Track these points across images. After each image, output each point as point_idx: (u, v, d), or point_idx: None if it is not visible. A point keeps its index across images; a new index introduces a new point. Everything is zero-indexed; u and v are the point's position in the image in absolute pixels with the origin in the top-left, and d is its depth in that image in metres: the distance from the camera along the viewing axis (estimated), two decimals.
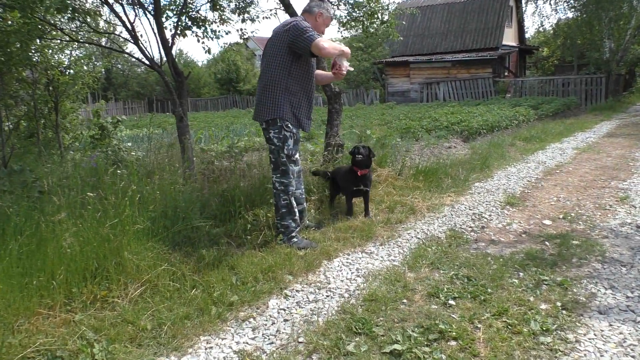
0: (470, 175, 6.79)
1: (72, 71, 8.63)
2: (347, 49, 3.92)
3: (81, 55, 8.67)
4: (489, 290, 3.24)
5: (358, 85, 30.55)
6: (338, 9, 6.54)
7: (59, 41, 7.03)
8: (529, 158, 8.34)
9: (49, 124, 8.88)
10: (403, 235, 4.46)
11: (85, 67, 9.08)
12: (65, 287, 3.04)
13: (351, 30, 7.21)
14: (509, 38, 27.43)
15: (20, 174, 5.21)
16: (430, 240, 4.29)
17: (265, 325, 2.95)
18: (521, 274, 3.51)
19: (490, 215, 5.01)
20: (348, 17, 6.59)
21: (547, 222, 4.75)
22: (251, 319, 3.02)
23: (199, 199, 4.52)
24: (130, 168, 4.24)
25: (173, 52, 5.47)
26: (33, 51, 6.55)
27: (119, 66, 40.66)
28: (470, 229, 4.62)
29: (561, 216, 4.90)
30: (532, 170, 7.21)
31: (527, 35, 32.74)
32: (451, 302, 3.11)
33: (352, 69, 4.11)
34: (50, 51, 7.52)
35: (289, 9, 6.06)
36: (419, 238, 4.39)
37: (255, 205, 4.79)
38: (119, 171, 4.13)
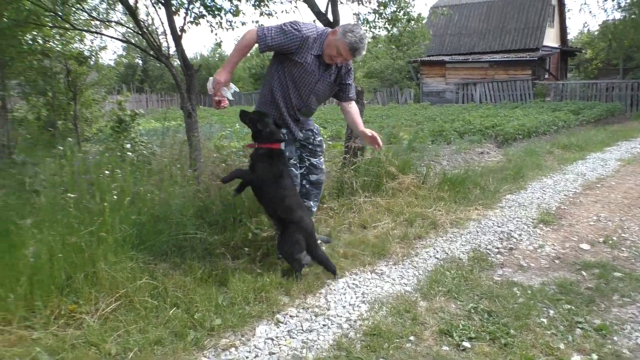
0: (502, 186, 6.23)
1: (92, 62, 8.47)
2: (217, 78, 3.45)
3: (101, 46, 8.49)
4: (512, 331, 2.77)
5: (392, 84, 29.91)
6: (363, 4, 6.11)
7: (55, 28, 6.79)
8: (567, 168, 7.70)
9: (69, 115, 8.76)
10: (420, 254, 4.00)
11: (108, 59, 8.95)
12: (28, 300, 2.72)
13: (378, 30, 6.77)
14: (550, 39, 26.26)
15: (21, 167, 4.99)
16: (450, 262, 3.81)
17: (247, 358, 2.57)
18: (551, 311, 3.01)
19: (520, 235, 4.48)
20: (374, 15, 6.16)
21: (585, 246, 4.20)
22: (232, 349, 2.63)
23: (198, 203, 4.16)
24: (126, 167, 3.90)
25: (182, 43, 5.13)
26: (33, 39, 6.33)
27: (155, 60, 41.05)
28: (496, 250, 4.12)
29: (601, 240, 4.34)
30: (570, 183, 6.60)
31: (569, 37, 31.40)
32: (466, 343, 2.66)
33: (230, 98, 3.52)
34: (64, 40, 7.31)
35: (313, 8, 5.66)
36: (437, 258, 3.92)
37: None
38: (113, 171, 3.80)
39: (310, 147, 3.98)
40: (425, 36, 6.95)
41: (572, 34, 43.19)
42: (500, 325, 2.83)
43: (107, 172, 3.59)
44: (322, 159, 4.12)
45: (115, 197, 3.42)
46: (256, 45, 3.53)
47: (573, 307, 3.05)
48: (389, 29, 6.49)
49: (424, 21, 6.86)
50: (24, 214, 3.11)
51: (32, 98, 8.32)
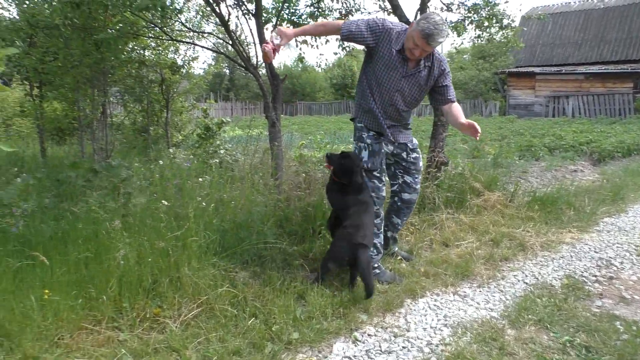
0: (599, 207, 5.76)
1: (184, 71, 8.87)
2: (281, 28, 3.32)
3: (194, 56, 8.87)
4: None
5: (476, 95, 28.97)
6: (452, 12, 5.92)
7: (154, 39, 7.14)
8: None
9: (160, 122, 9.22)
10: (507, 277, 3.76)
11: (198, 69, 9.38)
12: (116, 301, 2.83)
13: (466, 37, 6.54)
14: None
15: (116, 170, 5.27)
16: (541, 289, 3.54)
17: None
18: None
19: (621, 263, 4.10)
20: (463, 22, 5.94)
21: None
22: None
23: (278, 212, 4.18)
24: (212, 174, 4.00)
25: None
26: (134, 49, 6.70)
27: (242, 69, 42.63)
28: (594, 278, 3.78)
29: None
30: None
31: None
32: None
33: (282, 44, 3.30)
34: (160, 50, 7.70)
35: (397, 10, 5.56)
36: (526, 283, 3.66)
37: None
38: (201, 178, 3.91)
39: (403, 164, 3.81)
40: (517, 43, 6.61)
41: None
42: None
43: (198, 178, 3.69)
44: (418, 177, 3.88)
45: (203, 203, 3.51)
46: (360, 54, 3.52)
47: None
48: (480, 35, 6.23)
49: (514, 29, 6.53)
50: (116, 217, 3.25)
51: (130, 104, 8.84)
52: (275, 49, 3.27)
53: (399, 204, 3.93)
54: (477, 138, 3.27)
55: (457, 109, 3.52)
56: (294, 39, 3.34)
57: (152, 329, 2.77)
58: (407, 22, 5.49)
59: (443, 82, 3.51)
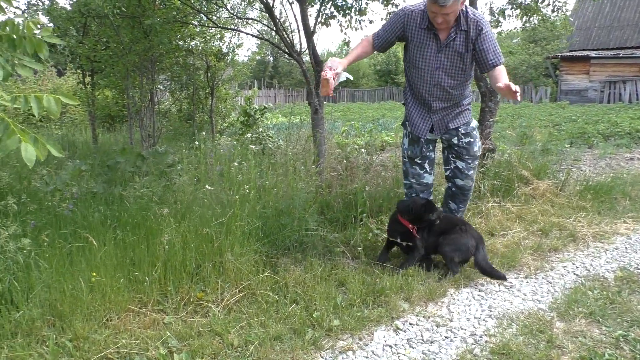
0: None
1: (229, 58, 8.95)
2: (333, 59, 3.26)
3: (238, 43, 8.93)
4: None
5: (526, 81, 28.00)
6: None
7: (201, 27, 7.21)
8: None
9: (205, 109, 9.37)
10: (556, 269, 3.63)
11: (243, 56, 9.47)
12: (162, 285, 2.90)
13: (514, 21, 6.31)
14: None
15: (163, 156, 5.39)
16: (593, 281, 3.40)
17: None
18: None
19: None
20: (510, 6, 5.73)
21: None
22: (349, 352, 2.57)
23: (320, 199, 4.17)
24: (250, 160, 4.03)
25: (315, 40, 5.17)
26: (182, 37, 6.80)
27: (285, 56, 42.80)
28: None
29: None
30: None
31: None
32: None
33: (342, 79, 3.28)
34: (206, 38, 7.79)
35: None
36: (577, 275, 3.52)
37: (382, 212, 4.31)
38: (240, 164, 3.94)
39: (455, 149, 3.68)
40: (567, 28, 6.32)
41: None
42: None
43: (236, 164, 3.72)
44: (472, 163, 3.72)
45: (247, 190, 3.54)
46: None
47: None
48: (527, 19, 6.00)
49: (567, 12, 6.24)
50: (163, 203, 3.32)
51: (176, 92, 9.02)
52: (334, 76, 3.24)
53: (453, 189, 3.84)
54: (518, 99, 3.07)
55: (499, 71, 3.30)
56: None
57: (196, 313, 2.82)
58: None
59: (481, 46, 3.29)
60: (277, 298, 2.98)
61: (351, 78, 3.44)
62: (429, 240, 3.52)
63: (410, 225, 3.46)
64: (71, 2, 6.13)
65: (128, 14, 5.44)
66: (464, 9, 3.21)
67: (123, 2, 5.40)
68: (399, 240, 3.50)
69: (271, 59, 43.42)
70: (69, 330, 2.51)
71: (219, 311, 2.82)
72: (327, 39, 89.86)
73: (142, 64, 6.16)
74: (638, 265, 3.69)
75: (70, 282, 2.69)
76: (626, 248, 4.04)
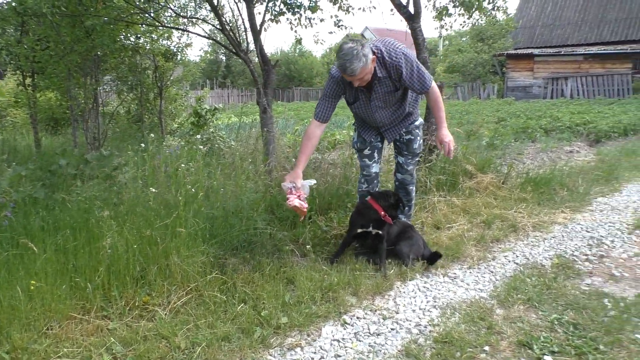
0: (592, 187, 5.77)
1: (178, 58, 8.81)
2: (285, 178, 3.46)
3: (187, 42, 8.80)
4: (601, 347, 2.51)
5: (474, 78, 28.83)
6: None
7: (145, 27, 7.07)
8: None
9: (155, 110, 9.19)
10: (498, 258, 3.77)
11: (195, 56, 9.34)
12: (105, 290, 2.84)
13: (455, 20, 6.50)
14: None
15: (108, 159, 5.25)
16: (531, 268, 3.56)
17: (312, 359, 2.52)
18: None
19: (612, 241, 4.11)
20: (453, 3, 5.90)
21: None
22: (297, 349, 2.59)
23: (269, 198, 4.18)
24: (200, 161, 3.99)
25: (261, 38, 5.17)
26: (127, 36, 6.65)
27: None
28: (584, 257, 3.79)
29: None
30: None
31: None
32: (547, 357, 2.45)
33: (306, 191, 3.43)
34: (153, 37, 7.64)
35: (394, 0, 5.50)
36: (517, 264, 3.67)
37: (331, 209, 4.36)
38: (186, 165, 3.89)
39: (397, 144, 3.89)
40: (509, 25, 6.59)
41: None
42: (588, 339, 2.58)
43: (182, 165, 3.67)
44: (412, 159, 3.88)
45: (192, 190, 3.50)
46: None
47: None
48: (468, 16, 6.20)
49: (508, 10, 6.48)
50: (106, 207, 3.25)
51: (123, 93, 8.81)
52: (299, 196, 3.31)
53: (396, 183, 4.04)
54: (450, 157, 3.56)
55: (433, 101, 3.54)
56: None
57: (142, 317, 2.78)
58: (399, 4, 5.46)
59: (406, 83, 3.44)
60: (225, 298, 2.97)
61: (314, 183, 3.53)
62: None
63: (382, 212, 3.53)
64: (6, 1, 5.88)
65: (68, 12, 5.26)
66: (379, 56, 3.31)
67: (62, 1, 5.23)
68: (370, 229, 3.55)
69: (223, 58, 42.91)
70: (6, 341, 2.42)
71: (165, 314, 2.79)
72: (280, 38, 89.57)
73: (85, 64, 5.98)
74: (573, 252, 3.89)
75: (8, 291, 2.59)
76: (563, 236, 4.24)
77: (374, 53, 3.23)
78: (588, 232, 4.35)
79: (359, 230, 3.57)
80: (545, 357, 2.46)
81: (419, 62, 3.42)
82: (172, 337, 2.58)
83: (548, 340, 2.59)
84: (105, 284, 2.84)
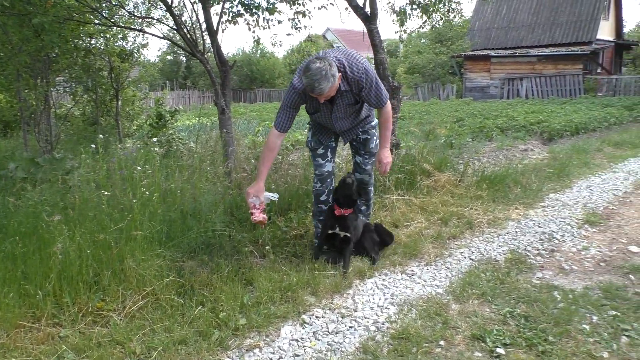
0: (545, 184, 5.97)
1: (134, 58, 8.63)
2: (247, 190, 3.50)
3: (143, 43, 8.64)
4: (551, 337, 2.60)
5: (434, 79, 29.36)
6: None
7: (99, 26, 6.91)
8: (617, 167, 7.30)
9: (111, 112, 8.98)
10: (454, 255, 3.86)
11: (154, 56, 9.18)
12: (57, 297, 2.76)
13: (414, 21, 6.62)
14: (605, 32, 25.15)
15: (60, 162, 5.10)
16: (486, 264, 3.65)
17: (271, 359, 2.51)
18: (595, 318, 2.82)
19: (563, 236, 4.26)
20: (411, 6, 6.00)
21: (634, 248, 3.95)
22: (256, 350, 2.58)
23: (228, 200, 4.15)
24: (157, 163, 3.92)
25: (219, 39, 5.12)
26: (80, 36, 6.48)
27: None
28: (536, 251, 3.92)
29: None
30: (620, 182, 6.25)
31: (625, 29, 29.98)
32: (500, 350, 2.52)
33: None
34: (108, 37, 7.46)
35: (351, 2, 5.54)
36: (472, 259, 3.76)
37: (291, 210, 4.36)
38: (142, 167, 3.82)
39: (354, 143, 3.90)
40: (463, 27, 6.77)
41: (629, 26, 41.25)
42: (538, 331, 2.67)
43: (138, 167, 3.60)
44: (369, 159, 3.90)
45: (146, 193, 3.44)
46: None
47: (619, 314, 2.85)
48: (425, 19, 6.32)
49: (468, 15, 6.65)
50: (56, 211, 3.15)
51: (78, 94, 8.56)
52: (261, 210, 3.40)
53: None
54: (381, 173, 3.77)
55: (382, 119, 3.63)
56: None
57: (95, 323, 2.71)
58: (355, 6, 5.50)
59: (364, 98, 3.50)
60: (182, 302, 2.93)
61: (277, 198, 3.58)
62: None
63: (343, 211, 3.57)
64: None
65: (15, 11, 5.08)
66: (342, 70, 3.32)
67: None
68: (337, 230, 3.58)
69: (184, 59, 42.26)
70: None
71: (120, 320, 2.73)
72: (242, 39, 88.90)
73: (35, 65, 5.79)
74: (526, 247, 4.01)
75: None
76: (516, 232, 4.37)
77: (337, 69, 3.26)
78: (540, 227, 4.49)
79: (329, 232, 3.62)
80: (497, 349, 2.53)
81: (378, 79, 3.48)
82: (127, 343, 2.53)
83: (500, 333, 2.67)
84: (57, 290, 2.76)
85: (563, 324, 2.74)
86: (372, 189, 4.10)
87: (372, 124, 3.86)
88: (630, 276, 3.41)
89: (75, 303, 2.76)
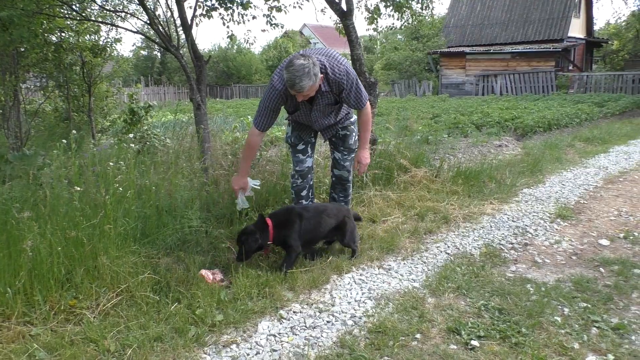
0: (519, 179, 6.07)
1: (107, 53, 8.46)
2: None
3: (116, 37, 8.47)
4: (524, 329, 2.65)
5: (410, 76, 29.55)
6: None
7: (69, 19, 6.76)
8: (588, 162, 7.47)
9: (84, 107, 8.79)
10: (430, 249, 3.90)
11: (129, 51, 9.03)
12: (28, 295, 2.69)
13: (386, 19, 6.66)
14: (576, 30, 25.63)
15: (31, 159, 4.98)
16: (461, 258, 3.70)
17: (248, 355, 2.50)
18: (566, 310, 2.89)
19: (536, 230, 4.34)
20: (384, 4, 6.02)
21: (604, 241, 4.05)
22: (233, 345, 2.57)
23: (204, 196, 4.11)
24: (132, 159, 3.86)
25: (193, 33, 5.06)
26: (47, 29, 6.32)
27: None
28: (510, 245, 3.98)
29: (622, 235, 4.18)
30: (591, 177, 6.40)
31: (595, 27, 30.63)
32: (474, 342, 2.56)
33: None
34: (79, 31, 7.30)
35: (333, 6, 5.53)
36: (448, 254, 3.80)
37: (269, 206, 4.34)
38: (116, 164, 3.75)
39: (333, 140, 3.91)
40: (434, 25, 6.85)
41: (599, 24, 42.18)
42: (512, 323, 2.72)
43: (111, 164, 3.54)
44: (348, 155, 3.91)
45: (120, 189, 3.38)
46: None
47: (589, 305, 2.92)
48: (397, 17, 6.35)
49: (443, 12, 6.73)
50: (26, 207, 3.08)
51: (48, 90, 8.36)
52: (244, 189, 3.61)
53: (333, 179, 4.08)
54: (359, 173, 3.85)
55: (362, 121, 3.68)
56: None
57: (68, 321, 2.67)
58: (331, 1, 5.49)
59: (344, 99, 3.52)
60: (158, 298, 2.90)
61: (258, 184, 3.79)
62: (318, 231, 3.57)
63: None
64: None
65: None
66: (324, 71, 3.32)
67: None
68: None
69: (158, 54, 41.61)
70: None
71: (94, 317, 2.69)
72: (218, 35, 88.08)
73: (3, 60, 5.63)
74: (500, 241, 4.08)
75: None
76: (491, 226, 4.44)
77: (320, 70, 3.25)
78: (514, 221, 4.57)
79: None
80: (472, 341, 2.57)
81: (358, 81, 3.50)
82: (100, 340, 2.49)
83: (475, 326, 2.71)
84: (28, 288, 2.70)
85: (536, 316, 2.80)
86: (351, 185, 4.11)
87: (352, 119, 3.87)
88: (601, 269, 3.49)
89: (47, 301, 2.71)
